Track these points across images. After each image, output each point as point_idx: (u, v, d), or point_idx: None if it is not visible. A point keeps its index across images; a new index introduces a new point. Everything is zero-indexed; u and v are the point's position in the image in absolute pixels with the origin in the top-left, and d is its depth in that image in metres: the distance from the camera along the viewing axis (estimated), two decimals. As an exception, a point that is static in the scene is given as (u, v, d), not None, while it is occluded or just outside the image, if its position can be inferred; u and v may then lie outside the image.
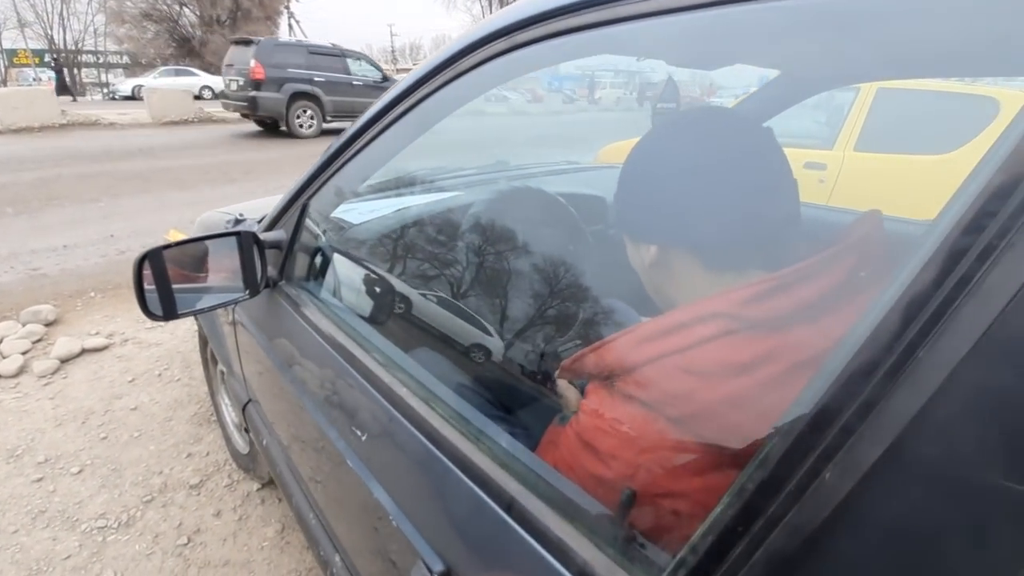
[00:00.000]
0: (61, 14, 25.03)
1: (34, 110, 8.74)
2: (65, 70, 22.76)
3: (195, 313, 0.83)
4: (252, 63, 8.69)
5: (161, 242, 0.80)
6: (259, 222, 1.09)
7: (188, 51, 25.77)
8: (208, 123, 10.84)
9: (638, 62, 0.94)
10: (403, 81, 0.72)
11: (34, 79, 22.78)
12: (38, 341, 2.46)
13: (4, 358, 2.29)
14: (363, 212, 1.15)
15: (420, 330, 0.91)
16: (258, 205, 1.36)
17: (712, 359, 0.43)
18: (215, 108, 12.02)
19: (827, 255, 0.43)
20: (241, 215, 1.16)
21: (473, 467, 0.52)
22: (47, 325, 2.58)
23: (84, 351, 2.39)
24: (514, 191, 1.05)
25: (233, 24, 26.10)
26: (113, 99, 19.59)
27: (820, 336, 0.39)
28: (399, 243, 1.07)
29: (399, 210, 1.16)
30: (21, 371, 2.24)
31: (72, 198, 4.88)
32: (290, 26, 29.81)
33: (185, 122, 10.61)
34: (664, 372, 0.46)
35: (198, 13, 25.79)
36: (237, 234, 0.82)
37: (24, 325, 2.53)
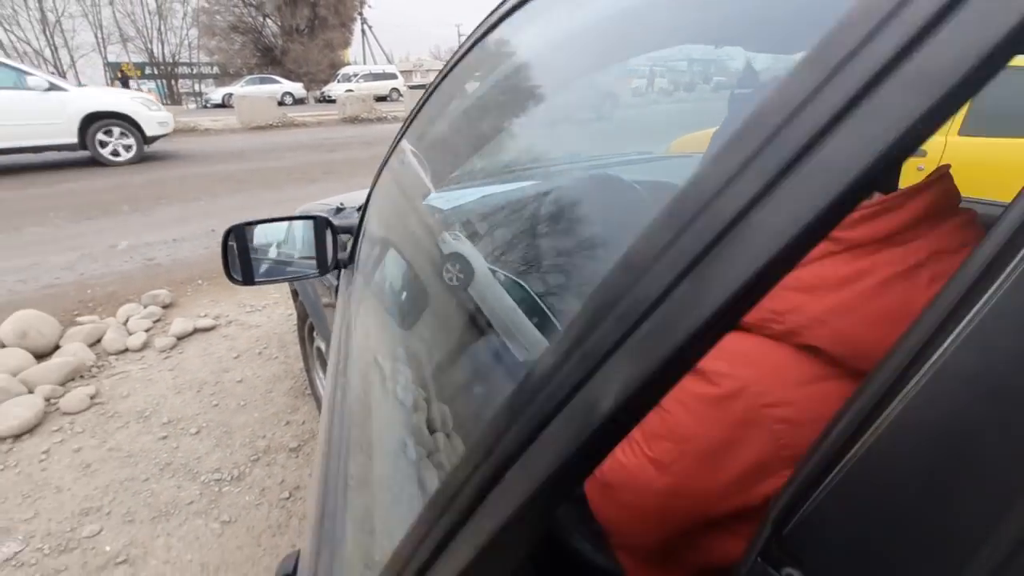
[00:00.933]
0: (159, 29, 27.48)
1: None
2: (133, 81, 24.97)
3: (269, 282, 0.95)
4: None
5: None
6: (357, 210, 1.22)
7: (271, 60, 27.54)
8: (291, 127, 11.57)
9: (716, 49, 0.97)
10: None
11: (137, 90, 25.20)
12: (157, 321, 2.79)
13: (131, 335, 2.62)
14: (448, 200, 1.26)
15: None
16: (358, 196, 1.50)
17: (817, 275, 0.47)
18: (296, 113, 12.81)
19: (909, 191, 0.48)
20: (341, 204, 1.30)
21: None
22: (164, 307, 2.92)
23: (195, 330, 2.69)
24: (591, 179, 1.12)
25: (311, 32, 27.61)
26: (205, 107, 21.29)
27: (909, 255, 0.45)
28: (470, 230, 1.16)
29: (482, 198, 1.25)
30: (145, 346, 2.56)
31: (177, 197, 5.42)
32: (363, 32, 31.04)
33: (270, 126, 11.38)
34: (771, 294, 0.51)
35: (279, 23, 27.48)
36: (313, 218, 0.94)
37: (145, 307, 2.88)
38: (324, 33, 27.66)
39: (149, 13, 27.04)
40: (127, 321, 2.75)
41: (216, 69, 28.71)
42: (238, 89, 19.05)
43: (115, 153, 7.00)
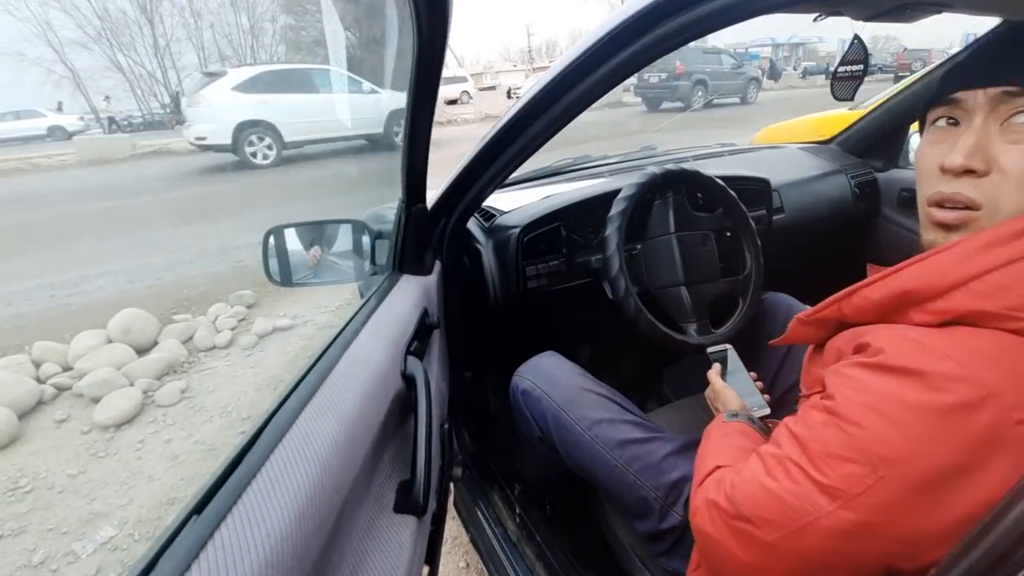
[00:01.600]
0: (252, 47, 29.69)
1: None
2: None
3: (307, 284, 0.93)
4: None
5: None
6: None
7: (350, 70, 28.94)
8: (365, 133, 12.06)
9: (815, 21, 0.85)
10: (550, 73, 0.74)
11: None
12: (242, 320, 2.97)
13: (219, 333, 2.79)
14: (511, 201, 1.20)
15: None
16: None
17: None
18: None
19: None
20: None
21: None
22: (248, 307, 3.10)
23: (275, 329, 2.83)
24: (669, 175, 1.02)
25: (383, 42, 28.71)
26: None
27: None
28: (544, 231, 1.09)
29: (545, 198, 1.19)
30: (230, 343, 2.72)
31: (267, 203, 5.79)
32: (433, 38, 31.86)
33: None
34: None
35: (358, 34, 28.81)
36: (350, 222, 0.91)
37: (232, 306, 3.07)
38: (396, 41, 28.66)
39: (243, 32, 29.32)
40: (216, 320, 2.93)
41: (301, 82, 30.56)
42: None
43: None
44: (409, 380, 0.63)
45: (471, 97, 21.06)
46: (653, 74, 12.30)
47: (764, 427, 0.76)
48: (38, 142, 15.52)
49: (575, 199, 1.12)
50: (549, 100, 0.74)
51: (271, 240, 0.91)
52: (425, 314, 0.82)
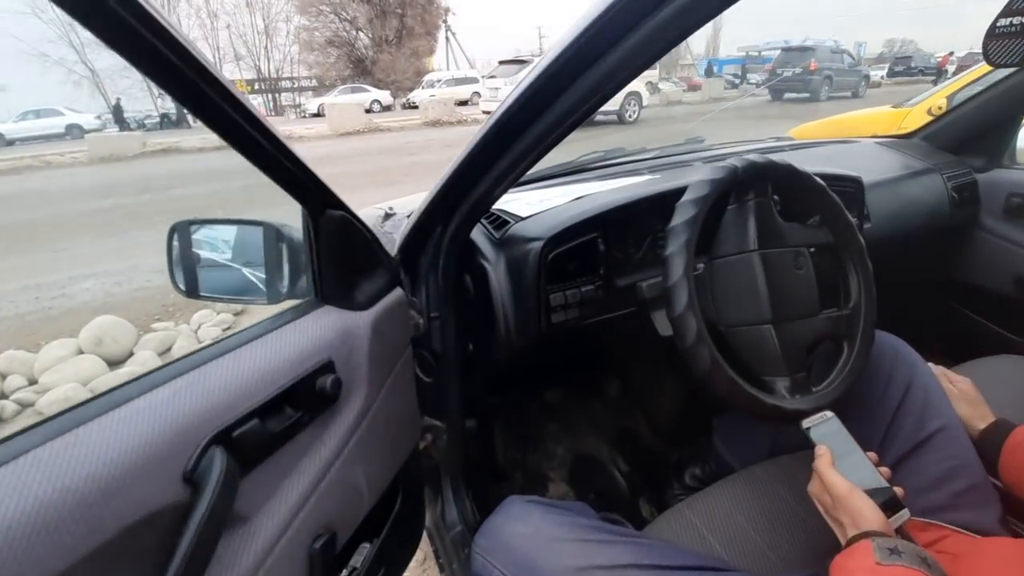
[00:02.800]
0: (266, 47, 29.81)
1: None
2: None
3: (213, 300, 0.71)
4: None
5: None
6: (408, 217, 0.93)
7: (362, 70, 28.96)
8: (376, 132, 11.89)
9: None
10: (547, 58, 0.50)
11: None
12: (227, 328, 2.72)
13: (200, 343, 2.54)
14: (529, 204, 0.92)
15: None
16: (412, 201, 1.22)
17: None
18: (382, 119, 13.20)
19: None
20: (391, 209, 1.01)
21: None
22: (236, 315, 2.85)
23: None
24: (754, 170, 0.73)
25: (398, 42, 28.69)
26: (303, 117, 22.71)
27: None
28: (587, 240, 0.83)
29: (575, 200, 0.90)
30: (213, 357, 2.46)
31: (263, 203, 5.56)
32: (447, 39, 31.84)
33: (358, 132, 11.76)
34: None
35: (371, 35, 28.81)
36: (260, 224, 0.66)
37: (218, 314, 2.82)
38: (411, 42, 28.62)
39: (258, 33, 29.45)
40: (199, 328, 2.69)
41: (314, 82, 30.67)
42: (329, 99, 20.08)
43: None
44: (195, 486, 0.41)
45: (481, 97, 20.90)
46: (788, 69, 14.32)
47: (941, 571, 0.48)
48: (57, 140, 15.66)
49: (617, 202, 0.84)
50: (581, 63, 0.47)
51: (175, 239, 0.68)
52: (322, 372, 0.56)
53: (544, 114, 0.56)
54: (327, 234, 0.60)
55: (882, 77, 21.18)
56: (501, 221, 0.87)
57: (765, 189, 0.75)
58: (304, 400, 0.55)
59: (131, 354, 2.45)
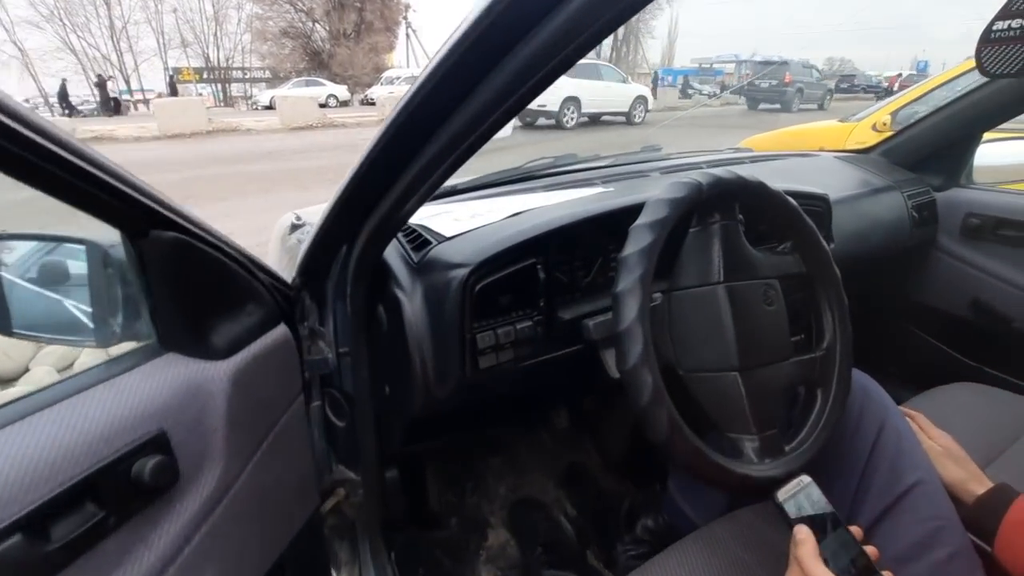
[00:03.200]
0: (215, 34, 28.46)
1: (186, 119, 9.80)
2: (190, 86, 26.01)
3: (33, 339, 0.57)
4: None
5: None
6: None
7: (319, 64, 28.11)
8: (330, 128, 11.47)
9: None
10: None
11: (197, 94, 26.14)
12: (65, 369, 2.45)
13: (110, 357, 2.27)
14: (457, 219, 0.79)
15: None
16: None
17: None
18: (337, 114, 12.77)
19: None
20: (298, 218, 0.85)
21: None
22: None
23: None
24: (721, 187, 0.62)
25: (357, 36, 28.01)
26: (255, 109, 21.78)
27: None
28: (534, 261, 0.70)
29: (511, 216, 0.77)
30: (125, 372, 2.20)
31: (206, 196, 5.21)
32: (407, 35, 31.33)
33: (310, 127, 11.30)
34: None
35: (327, 28, 28.01)
36: (82, 242, 0.51)
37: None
38: (370, 37, 27.96)
39: (207, 19, 28.07)
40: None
41: (267, 73, 29.51)
42: (281, 91, 19.33)
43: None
44: None
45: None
46: (764, 80, 15.76)
47: None
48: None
49: (561, 220, 0.71)
50: (499, 46, 0.35)
51: None
52: (143, 452, 0.42)
53: (458, 110, 0.42)
54: (158, 261, 0.45)
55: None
56: (422, 240, 0.73)
57: (732, 210, 0.64)
58: (111, 494, 0.40)
59: (26, 370, 2.15)
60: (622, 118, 12.09)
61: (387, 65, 29.00)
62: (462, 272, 0.64)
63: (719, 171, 0.64)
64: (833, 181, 1.23)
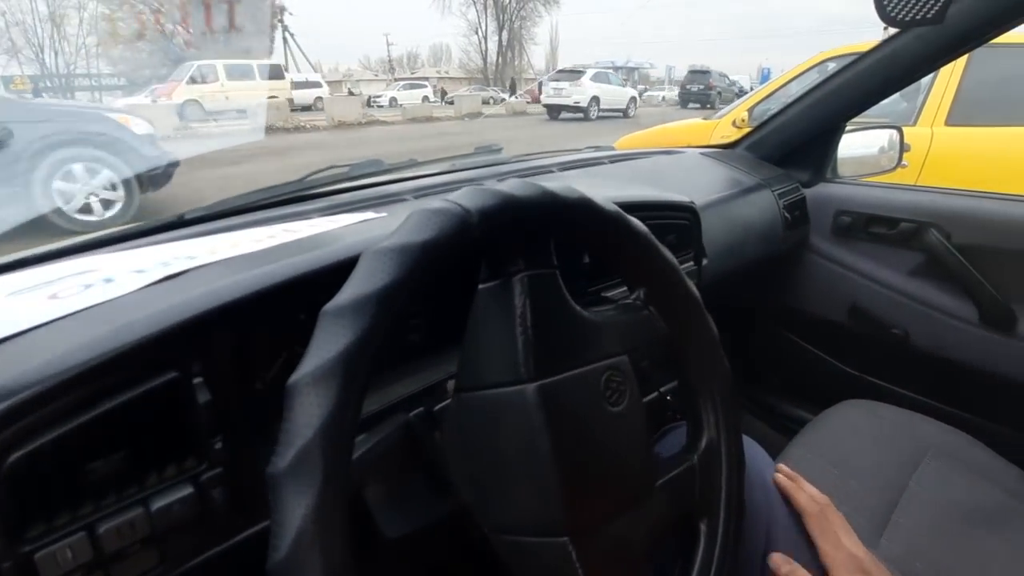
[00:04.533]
0: (52, 36, 24.84)
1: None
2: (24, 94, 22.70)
3: None
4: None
5: None
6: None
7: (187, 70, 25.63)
8: (193, 138, 10.35)
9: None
10: None
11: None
12: None
13: None
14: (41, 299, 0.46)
15: None
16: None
17: None
18: (200, 124, 11.58)
19: None
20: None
21: None
22: None
23: None
24: (504, 211, 0.36)
25: (226, 40, 25.85)
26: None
27: None
28: None
29: (167, 278, 0.46)
30: None
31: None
32: (284, 39, 29.59)
33: (170, 139, 10.10)
34: None
35: (189, 31, 25.61)
36: None
37: None
38: (241, 41, 25.94)
39: (40, 20, 24.40)
40: None
41: (122, 80, 26.31)
42: (137, 100, 17.21)
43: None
44: None
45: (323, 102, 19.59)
46: (695, 85, 18.89)
47: None
48: None
49: (217, 299, 0.39)
50: None
51: None
52: None
53: None
54: None
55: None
56: None
57: (543, 251, 0.39)
58: None
59: None
60: (620, 113, 15.94)
61: (264, 71, 27.02)
62: None
63: (513, 183, 0.38)
64: (701, 181, 1.06)
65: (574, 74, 15.29)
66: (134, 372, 0.35)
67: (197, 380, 0.37)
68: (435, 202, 0.34)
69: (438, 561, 0.46)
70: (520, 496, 0.35)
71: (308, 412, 0.27)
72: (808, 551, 0.53)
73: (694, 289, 0.45)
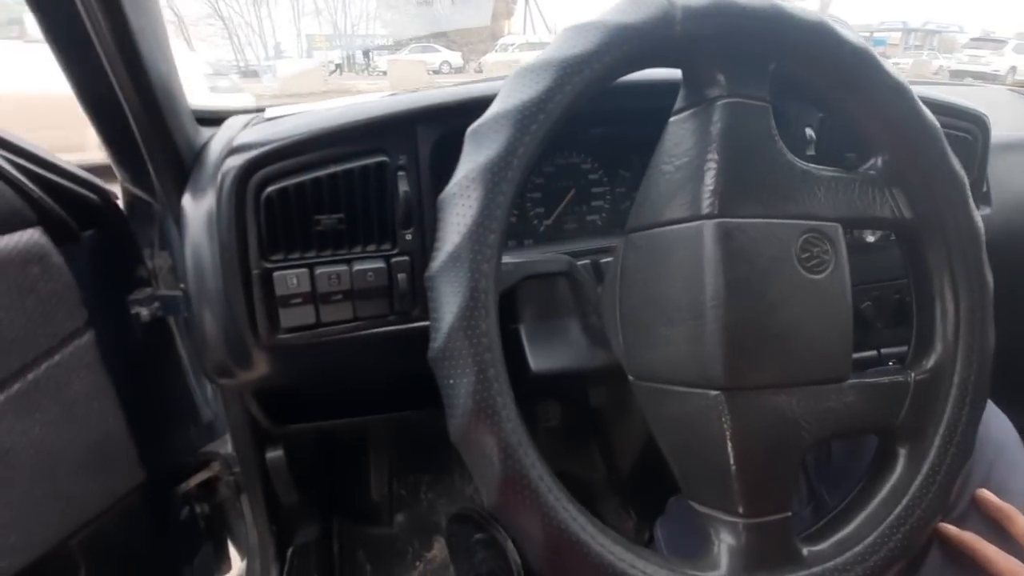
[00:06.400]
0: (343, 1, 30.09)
1: (305, 81, 10.51)
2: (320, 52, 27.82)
3: None
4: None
5: None
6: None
7: (439, 31, 28.75)
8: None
9: None
10: None
11: (329, 60, 28.01)
12: None
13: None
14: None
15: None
16: None
17: None
18: (448, 80, 12.96)
19: None
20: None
21: None
22: None
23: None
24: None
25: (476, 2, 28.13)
26: (372, 74, 22.84)
27: None
28: None
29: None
30: None
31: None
32: (527, 1, 30.94)
33: (417, 91, 11.62)
34: None
35: (445, -3, 28.43)
36: None
37: None
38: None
39: (336, -18, 29.71)
40: None
41: (390, 40, 30.74)
42: (397, 56, 19.92)
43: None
44: None
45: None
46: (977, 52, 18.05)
47: None
48: None
49: (445, 97, 0.49)
50: None
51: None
52: None
53: None
54: None
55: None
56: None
57: (758, 77, 0.33)
58: None
59: None
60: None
61: (504, 32, 28.84)
62: (238, 161, 0.39)
63: None
64: (1006, 118, 0.81)
65: (998, 43, 14.87)
66: (353, 147, 0.43)
67: (400, 173, 0.43)
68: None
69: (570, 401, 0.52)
70: (677, 340, 0.32)
71: (456, 219, 0.29)
72: None
73: (957, 168, 0.35)
